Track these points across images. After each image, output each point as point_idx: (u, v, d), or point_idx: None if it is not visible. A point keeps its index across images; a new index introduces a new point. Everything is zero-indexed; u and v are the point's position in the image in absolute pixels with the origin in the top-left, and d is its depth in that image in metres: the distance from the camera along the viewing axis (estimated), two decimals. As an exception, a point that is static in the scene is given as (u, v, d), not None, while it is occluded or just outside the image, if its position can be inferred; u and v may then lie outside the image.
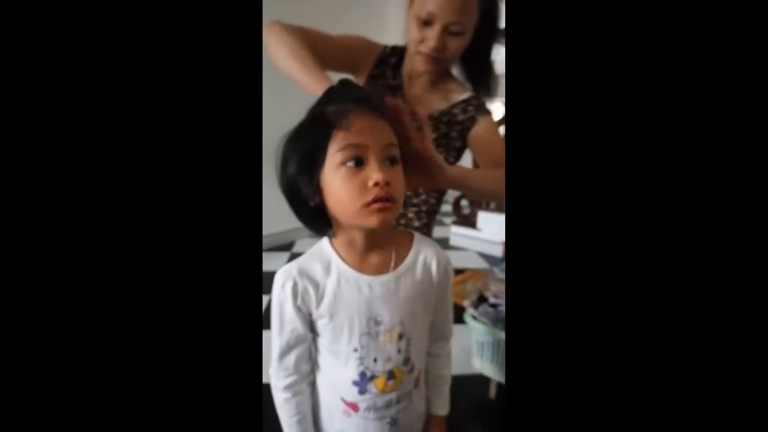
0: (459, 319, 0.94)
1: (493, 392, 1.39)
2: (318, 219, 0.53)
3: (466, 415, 1.30)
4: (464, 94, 0.81)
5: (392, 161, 0.49)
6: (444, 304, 0.61)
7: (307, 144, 0.48)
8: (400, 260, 0.55)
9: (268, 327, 0.55)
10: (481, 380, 1.38)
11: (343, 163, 0.46)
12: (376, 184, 0.46)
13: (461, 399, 0.73)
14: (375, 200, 0.46)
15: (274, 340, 0.56)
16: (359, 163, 0.47)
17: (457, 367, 0.68)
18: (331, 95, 0.53)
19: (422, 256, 0.57)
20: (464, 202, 3.24)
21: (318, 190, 0.49)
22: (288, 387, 0.57)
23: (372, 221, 0.47)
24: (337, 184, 0.47)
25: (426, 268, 0.57)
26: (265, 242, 2.73)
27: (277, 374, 0.57)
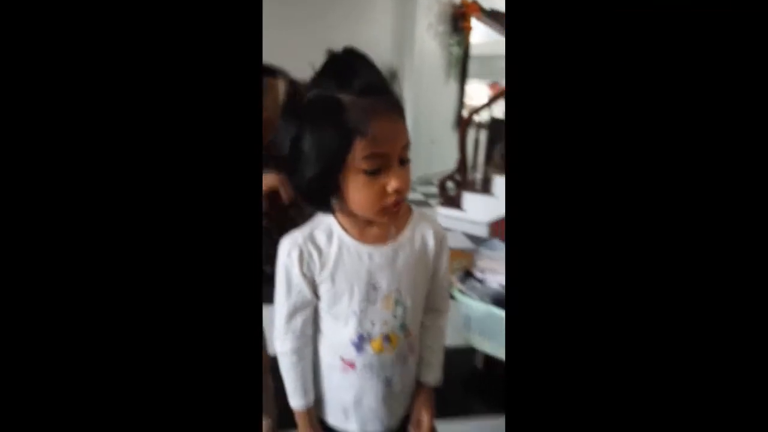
0: (448, 292, 0.99)
1: (480, 363, 1.46)
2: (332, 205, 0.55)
3: (455, 384, 1.36)
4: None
5: (405, 162, 0.51)
6: (438, 276, 0.64)
7: (327, 149, 0.48)
8: (398, 232, 0.59)
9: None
10: (469, 352, 1.45)
11: (365, 171, 0.48)
12: (396, 191, 0.49)
13: (450, 370, 0.77)
14: (393, 204, 0.50)
15: (280, 306, 0.59)
16: (379, 171, 0.49)
17: (447, 340, 0.72)
18: (338, 66, 0.49)
19: (420, 228, 0.61)
20: (450, 184, 3.28)
21: (337, 187, 0.51)
22: (294, 351, 0.60)
23: (386, 219, 0.53)
24: (358, 187, 0.49)
25: (423, 240, 0.61)
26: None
27: (283, 338, 0.60)
